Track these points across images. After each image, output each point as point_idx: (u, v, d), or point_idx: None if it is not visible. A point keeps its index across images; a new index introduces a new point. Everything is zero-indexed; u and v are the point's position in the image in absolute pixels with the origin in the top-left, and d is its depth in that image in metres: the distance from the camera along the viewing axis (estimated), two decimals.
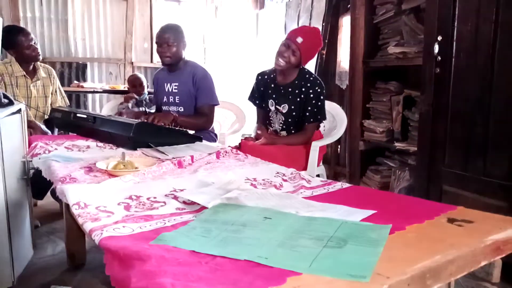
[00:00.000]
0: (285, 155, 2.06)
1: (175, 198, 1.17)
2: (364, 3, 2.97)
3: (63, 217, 2.12)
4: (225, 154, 1.76)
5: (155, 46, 2.62)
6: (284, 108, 2.28)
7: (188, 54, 2.57)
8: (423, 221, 0.95)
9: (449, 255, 0.77)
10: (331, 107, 2.72)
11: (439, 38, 2.14)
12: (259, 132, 2.28)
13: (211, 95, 2.50)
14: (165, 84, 2.55)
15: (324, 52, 3.56)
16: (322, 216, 0.98)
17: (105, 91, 4.21)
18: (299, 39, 2.14)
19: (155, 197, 1.17)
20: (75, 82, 4.34)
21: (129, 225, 0.95)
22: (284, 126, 2.33)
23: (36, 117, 2.70)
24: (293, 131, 2.30)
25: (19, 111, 1.97)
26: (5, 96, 1.87)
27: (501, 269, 0.91)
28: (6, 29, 2.74)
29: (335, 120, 2.63)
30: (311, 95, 2.20)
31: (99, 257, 2.01)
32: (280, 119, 2.33)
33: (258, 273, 0.71)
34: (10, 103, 1.89)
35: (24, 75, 2.65)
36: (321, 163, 2.46)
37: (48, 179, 1.51)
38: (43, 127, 2.60)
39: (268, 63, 2.38)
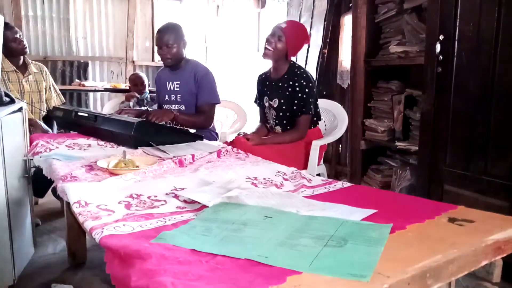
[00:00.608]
0: (278, 154, 2.05)
1: (176, 196, 1.17)
2: (366, 2, 2.97)
3: (64, 216, 2.12)
4: (226, 153, 1.76)
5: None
6: (275, 102, 2.30)
7: (189, 53, 2.57)
8: (424, 220, 0.94)
9: (450, 255, 0.77)
10: (332, 106, 2.72)
11: (441, 37, 2.14)
12: (248, 133, 2.30)
13: (211, 94, 2.49)
14: (167, 82, 2.55)
15: (326, 51, 3.56)
16: (322, 215, 0.98)
17: (106, 90, 4.22)
18: (283, 24, 2.26)
19: (155, 196, 1.17)
20: (77, 80, 4.36)
21: (130, 224, 0.95)
22: (277, 121, 2.34)
23: (33, 114, 2.71)
24: (288, 127, 2.31)
25: (20, 109, 1.98)
26: (7, 95, 1.87)
27: (502, 269, 0.90)
28: None
29: (336, 119, 2.62)
30: (297, 88, 2.22)
31: (100, 256, 2.02)
32: (273, 114, 2.35)
33: (258, 272, 0.71)
34: (12, 101, 1.89)
35: (15, 70, 2.67)
36: (321, 162, 2.46)
37: (49, 178, 1.51)
38: (44, 125, 2.61)
39: (268, 63, 2.38)
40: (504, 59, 1.87)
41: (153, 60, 4.89)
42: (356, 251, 0.78)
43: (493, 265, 0.89)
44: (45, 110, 2.78)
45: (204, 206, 1.08)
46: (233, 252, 0.78)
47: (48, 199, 2.78)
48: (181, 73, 2.51)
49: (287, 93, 2.25)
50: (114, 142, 1.93)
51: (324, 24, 3.53)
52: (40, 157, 1.65)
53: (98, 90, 4.19)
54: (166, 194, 1.20)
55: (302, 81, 2.22)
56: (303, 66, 2.45)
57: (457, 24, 2.07)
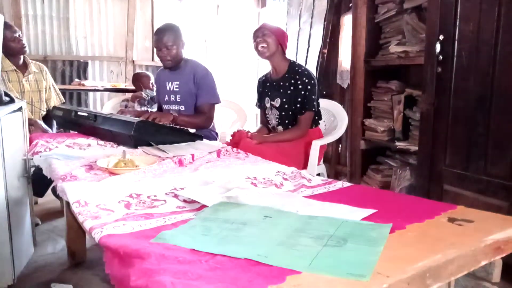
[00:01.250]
0: (278, 153, 2.05)
1: (176, 196, 1.17)
2: (366, 2, 2.97)
3: (63, 215, 2.12)
4: (226, 153, 1.76)
5: None
6: (277, 102, 2.31)
7: (189, 52, 2.57)
8: (424, 220, 0.94)
9: (449, 255, 0.77)
10: (332, 106, 2.72)
11: (441, 37, 2.14)
12: (250, 132, 2.31)
13: (211, 94, 2.49)
14: (167, 83, 2.55)
15: (326, 51, 3.56)
16: (322, 215, 0.98)
17: (106, 90, 4.22)
18: (262, 24, 2.35)
19: (155, 196, 1.17)
20: (76, 80, 4.35)
21: (129, 223, 0.95)
22: (279, 121, 2.35)
23: (33, 113, 2.71)
24: (290, 127, 2.31)
25: (20, 109, 1.97)
26: (6, 94, 1.87)
27: (502, 268, 0.90)
28: None
29: (336, 119, 2.63)
30: (300, 86, 2.23)
31: (100, 255, 2.01)
32: (275, 114, 2.35)
33: (258, 272, 0.71)
34: (11, 101, 1.89)
35: (15, 70, 2.67)
36: (321, 162, 2.46)
37: (48, 177, 1.51)
38: (43, 125, 2.61)
39: (268, 63, 2.39)
40: (504, 59, 1.87)
41: (153, 59, 4.89)
42: (356, 251, 0.78)
43: (493, 265, 0.89)
44: (45, 110, 2.78)
45: (204, 206, 1.08)
46: (232, 251, 0.78)
47: (48, 199, 2.78)
48: (180, 73, 2.51)
49: (289, 91, 2.26)
50: (114, 141, 1.93)
51: (324, 24, 3.53)
52: (40, 156, 1.65)
53: (98, 90, 4.19)
54: (166, 193, 1.20)
55: (304, 79, 2.22)
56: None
57: (457, 24, 2.07)
